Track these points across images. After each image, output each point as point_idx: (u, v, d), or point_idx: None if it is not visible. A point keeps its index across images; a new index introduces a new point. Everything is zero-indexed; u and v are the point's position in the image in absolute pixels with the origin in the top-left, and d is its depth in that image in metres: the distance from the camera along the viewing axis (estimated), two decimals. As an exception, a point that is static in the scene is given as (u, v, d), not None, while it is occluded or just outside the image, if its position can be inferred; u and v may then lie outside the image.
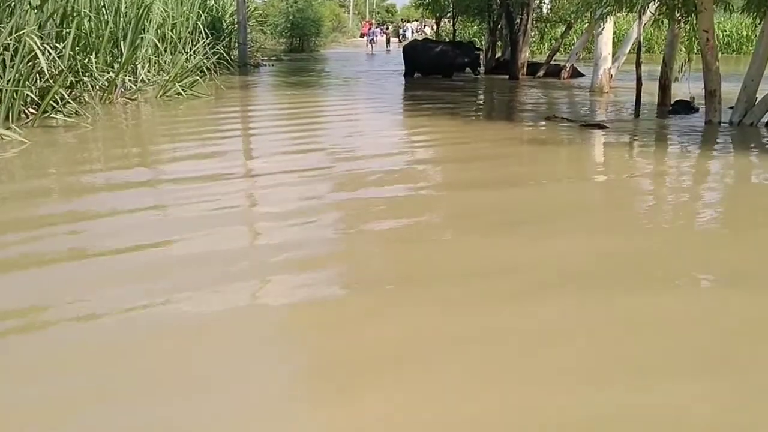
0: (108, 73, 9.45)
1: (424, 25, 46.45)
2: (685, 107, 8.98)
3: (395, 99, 11.62)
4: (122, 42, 10.11)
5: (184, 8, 13.77)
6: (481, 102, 11.71)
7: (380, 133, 7.46)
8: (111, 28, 9.97)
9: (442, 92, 12.17)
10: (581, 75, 15.41)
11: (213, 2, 17.30)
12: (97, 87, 9.27)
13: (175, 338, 2.47)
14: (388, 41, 38.20)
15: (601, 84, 11.66)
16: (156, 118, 8.59)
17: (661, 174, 5.61)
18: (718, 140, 7.14)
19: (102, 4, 10.35)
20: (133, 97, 9.61)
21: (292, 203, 4.33)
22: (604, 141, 6.93)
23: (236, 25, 17.94)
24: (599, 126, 7.56)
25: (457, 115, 8.91)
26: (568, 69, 15.12)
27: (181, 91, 9.99)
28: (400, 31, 44.28)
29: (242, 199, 4.59)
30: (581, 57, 16.90)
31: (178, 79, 10.26)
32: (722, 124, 7.70)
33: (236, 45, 18.13)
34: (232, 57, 17.21)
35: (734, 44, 27.44)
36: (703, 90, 7.82)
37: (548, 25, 19.85)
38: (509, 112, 9.90)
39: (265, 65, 19.17)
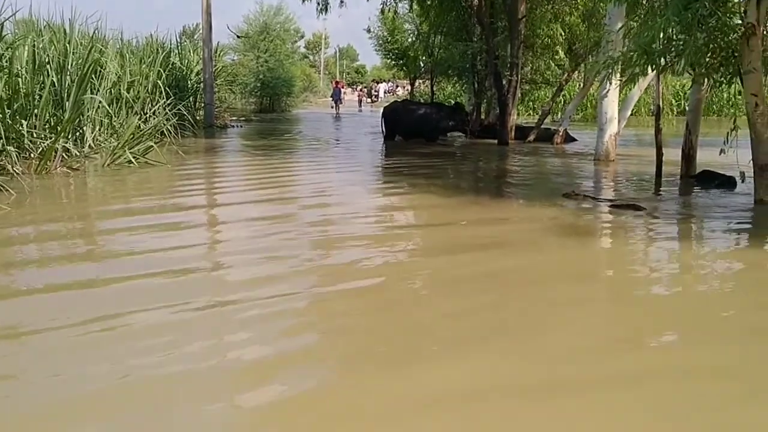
0: (46, 138, 8.02)
1: (396, 86, 46.12)
2: (712, 180, 7.81)
3: (372, 168, 10.22)
4: (67, 103, 8.72)
5: (144, 66, 12.52)
6: (473, 172, 10.19)
7: (356, 214, 6.06)
8: (52, 87, 8.60)
9: (425, 159, 10.84)
10: (573, 140, 14.42)
11: (177, 60, 16.10)
12: (33, 155, 7.87)
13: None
14: (360, 102, 38.12)
15: (607, 151, 10.46)
16: (87, 191, 7.13)
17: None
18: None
19: (46, 60, 9.01)
20: (75, 166, 8.16)
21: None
22: (648, 228, 5.61)
23: (202, 84, 16.70)
24: (634, 207, 6.26)
25: (451, 192, 7.50)
26: (561, 133, 14.05)
27: (132, 159, 8.54)
28: (372, 92, 44.07)
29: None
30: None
31: (130, 144, 8.83)
32: (776, 204, 6.48)
33: (202, 105, 16.92)
34: (198, 118, 15.97)
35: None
36: (752, 164, 6.63)
37: (532, 86, 19.04)
38: (517, 188, 8.31)
39: (234, 126, 17.93)
